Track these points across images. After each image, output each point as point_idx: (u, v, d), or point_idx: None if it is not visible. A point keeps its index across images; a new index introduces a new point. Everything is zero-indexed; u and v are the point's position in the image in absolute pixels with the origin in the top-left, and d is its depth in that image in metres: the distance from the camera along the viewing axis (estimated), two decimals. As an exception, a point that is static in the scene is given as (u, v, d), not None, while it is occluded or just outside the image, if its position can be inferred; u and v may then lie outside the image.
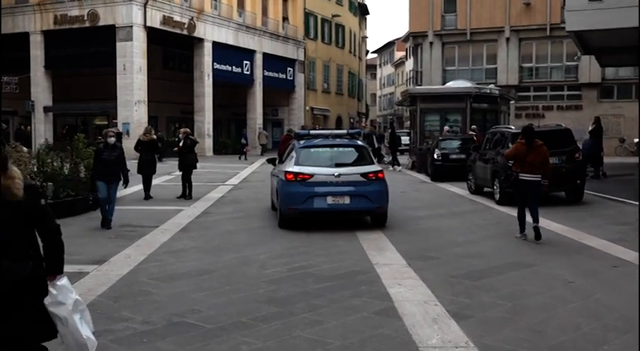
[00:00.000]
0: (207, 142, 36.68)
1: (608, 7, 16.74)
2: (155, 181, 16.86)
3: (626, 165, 24.05)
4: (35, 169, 13.05)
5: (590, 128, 21.17)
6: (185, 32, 35.02)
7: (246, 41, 40.19)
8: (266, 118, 43.69)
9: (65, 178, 13.26)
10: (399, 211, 13.10)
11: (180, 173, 16.20)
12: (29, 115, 35.04)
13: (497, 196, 14.37)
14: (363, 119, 59.87)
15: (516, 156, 10.14)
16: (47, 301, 3.62)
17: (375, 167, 11.40)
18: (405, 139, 34.22)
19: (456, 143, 21.44)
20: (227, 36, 38.36)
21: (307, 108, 46.96)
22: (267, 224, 11.83)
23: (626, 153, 33.23)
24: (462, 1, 38.44)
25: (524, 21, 37.58)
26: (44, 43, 34.37)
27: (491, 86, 28.96)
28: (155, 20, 33.09)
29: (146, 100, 32.88)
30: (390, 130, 29.41)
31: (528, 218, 10.00)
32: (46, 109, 35.00)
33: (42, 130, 34.47)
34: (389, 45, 78.37)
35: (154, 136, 16.94)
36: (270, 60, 42.32)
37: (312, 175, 10.90)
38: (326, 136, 12.65)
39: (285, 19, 45.30)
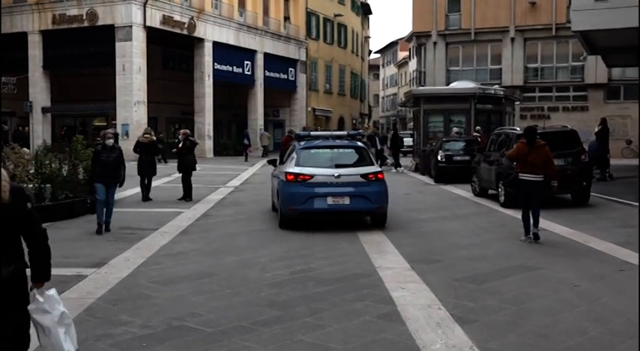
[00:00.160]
0: (208, 144, 36.64)
1: (615, 7, 16.63)
2: (155, 183, 16.81)
3: (632, 167, 23.92)
4: (33, 171, 12.94)
5: (596, 129, 21.06)
6: (185, 32, 34.96)
7: (247, 41, 40.12)
8: (267, 119, 43.59)
9: (63, 179, 13.16)
10: (402, 213, 13.07)
11: (180, 175, 16.11)
12: (27, 116, 34.96)
13: (501, 199, 14.26)
14: (366, 120, 59.80)
15: (518, 156, 10.23)
16: (31, 307, 3.51)
17: (375, 168, 11.56)
18: (408, 141, 34.13)
19: (460, 145, 21.33)
20: (228, 36, 38.30)
21: (309, 109, 46.90)
22: (268, 227, 11.80)
23: (633, 155, 32.98)
24: (466, 0, 38.33)
25: (529, 21, 37.43)
26: (42, 43, 34.30)
27: (496, 87, 28.77)
28: (155, 20, 33.04)
29: (145, 100, 32.82)
30: (392, 132, 29.32)
31: (533, 220, 9.97)
32: (44, 110, 34.88)
33: (40, 131, 34.31)
34: (392, 45, 78.22)
35: (154, 138, 16.85)
36: (271, 60, 42.26)
37: (312, 176, 11.06)
38: (326, 138, 12.81)
39: (286, 18, 45.25)
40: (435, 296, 6.72)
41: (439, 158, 20.70)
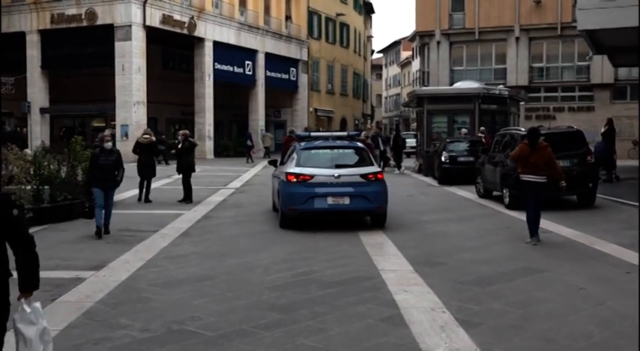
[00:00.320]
0: (208, 145, 36.59)
1: (621, 6, 16.50)
2: (154, 185, 16.75)
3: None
4: (31, 172, 12.85)
5: (602, 130, 20.93)
6: (185, 32, 34.89)
7: (247, 41, 40.05)
8: (268, 120, 43.50)
9: (62, 181, 13.07)
10: (406, 215, 13.05)
11: (180, 176, 16.03)
12: (25, 116, 34.89)
13: (506, 200, 14.15)
14: (369, 121, 59.71)
15: (520, 157, 10.27)
16: (17, 316, 3.41)
17: (375, 168, 11.71)
18: (411, 142, 34.01)
19: (464, 145, 21.22)
20: (228, 35, 38.22)
21: (311, 109, 46.82)
22: (269, 228, 11.77)
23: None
24: (470, -1, 38.19)
25: (534, 20, 37.24)
26: (41, 43, 34.21)
27: (501, 87, 28.66)
28: (154, 19, 32.97)
29: (145, 101, 32.75)
30: (394, 133, 29.25)
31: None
32: (42, 111, 34.79)
33: (38, 132, 34.22)
34: (395, 44, 78.06)
35: (153, 138, 16.78)
36: (272, 60, 42.19)
37: (312, 176, 11.21)
38: (326, 138, 12.92)
39: (288, 18, 45.16)
40: (438, 299, 6.67)
41: (443, 159, 20.59)
